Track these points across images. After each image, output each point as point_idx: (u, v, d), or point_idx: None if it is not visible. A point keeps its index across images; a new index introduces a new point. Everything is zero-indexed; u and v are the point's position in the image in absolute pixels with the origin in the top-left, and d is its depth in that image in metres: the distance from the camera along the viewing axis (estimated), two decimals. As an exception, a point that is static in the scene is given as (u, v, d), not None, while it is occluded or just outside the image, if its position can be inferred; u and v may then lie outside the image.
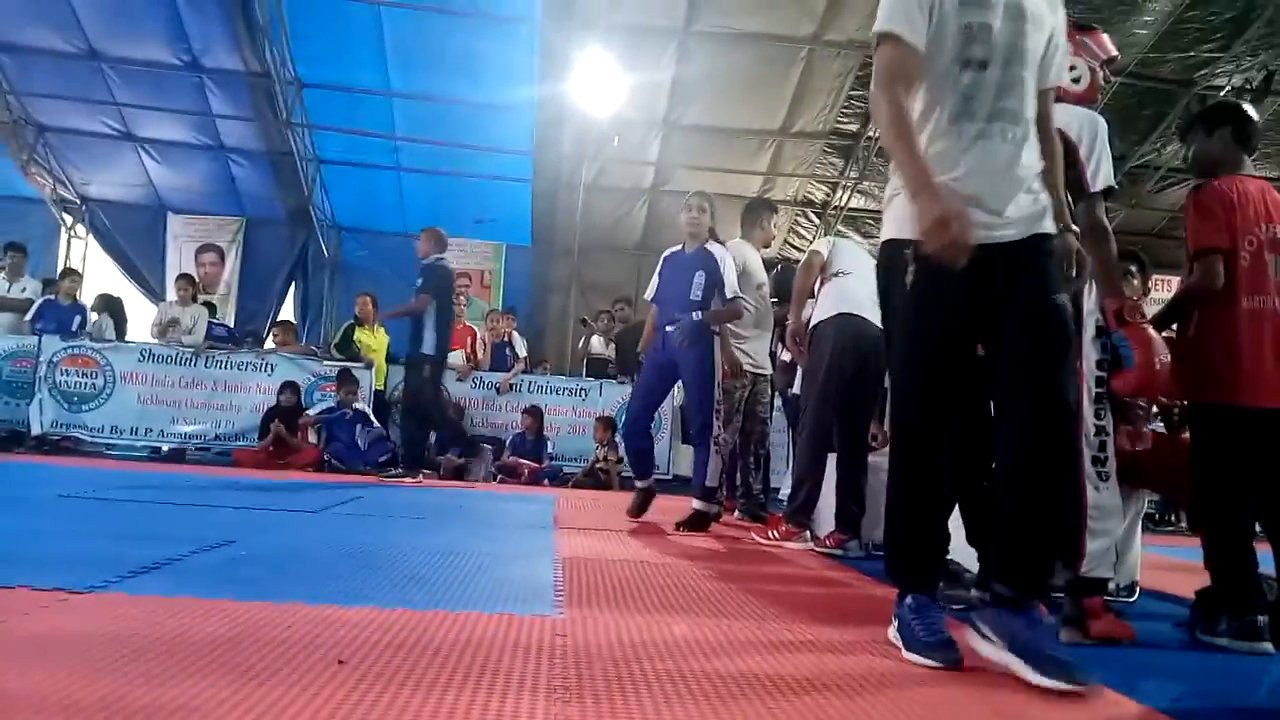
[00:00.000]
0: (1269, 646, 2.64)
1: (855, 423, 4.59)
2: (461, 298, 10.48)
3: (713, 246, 5.21)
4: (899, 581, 2.32)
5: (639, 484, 5.32)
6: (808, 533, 4.61)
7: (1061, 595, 2.72)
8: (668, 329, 5.10)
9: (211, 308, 10.28)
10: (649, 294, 5.40)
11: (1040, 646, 1.97)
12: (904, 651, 2.17)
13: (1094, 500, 2.65)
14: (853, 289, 4.59)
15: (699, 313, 5.04)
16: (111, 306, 9.60)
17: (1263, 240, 2.88)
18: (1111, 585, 2.93)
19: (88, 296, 9.56)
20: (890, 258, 2.32)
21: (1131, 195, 11.65)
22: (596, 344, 10.06)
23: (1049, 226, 2.28)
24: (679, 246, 5.35)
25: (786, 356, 5.85)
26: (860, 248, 5.00)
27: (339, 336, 9.50)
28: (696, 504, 5.02)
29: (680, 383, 5.36)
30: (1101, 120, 2.87)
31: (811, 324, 4.70)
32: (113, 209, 12.33)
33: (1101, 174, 2.77)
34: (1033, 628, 1.99)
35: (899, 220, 2.28)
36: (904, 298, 2.28)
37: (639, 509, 5.21)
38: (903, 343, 2.34)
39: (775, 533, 4.63)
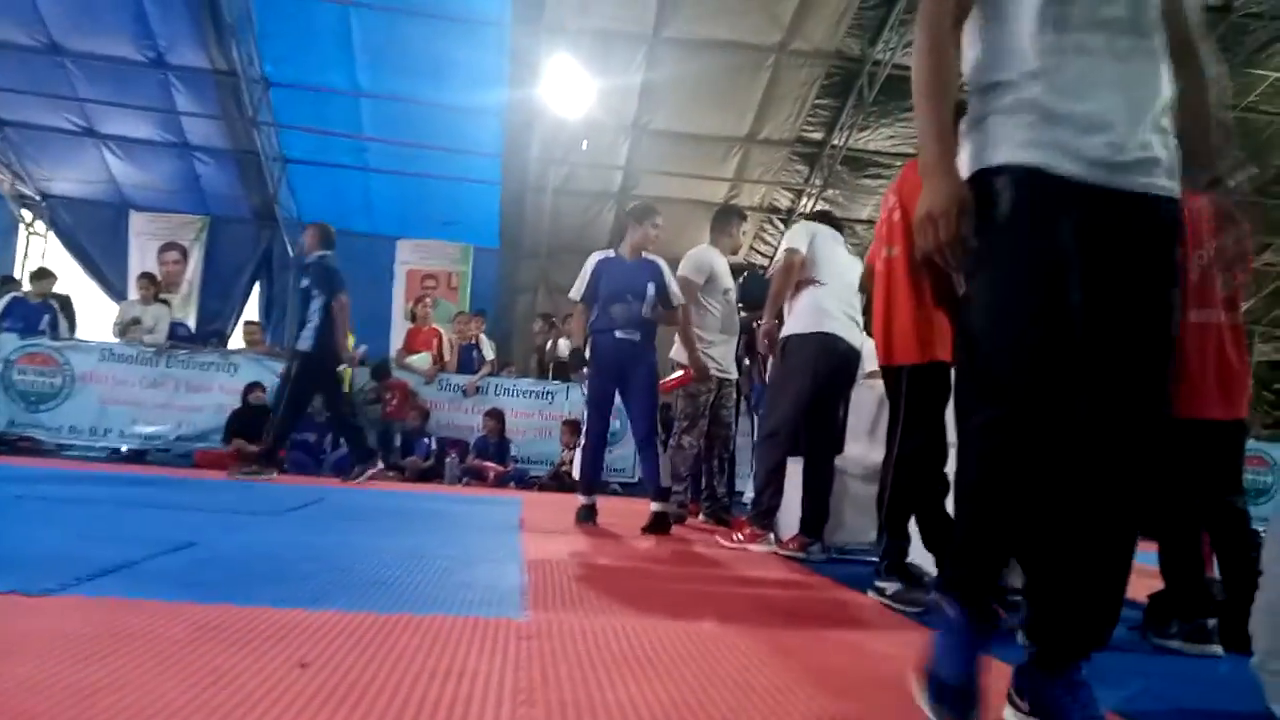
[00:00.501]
0: (1218, 649, 2.71)
1: (825, 430, 4.65)
2: (428, 299, 10.46)
3: (654, 256, 5.38)
4: (948, 577, 1.82)
5: (588, 499, 5.33)
6: (772, 535, 4.65)
7: (1020, 598, 2.77)
8: (618, 334, 5.20)
9: (165, 305, 10.12)
10: (578, 293, 5.42)
11: (1069, 713, 1.64)
12: (917, 691, 1.70)
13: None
14: (827, 301, 4.62)
15: (650, 312, 5.25)
16: (62, 305, 9.46)
17: (1212, 255, 2.96)
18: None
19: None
20: (979, 195, 1.73)
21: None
22: (564, 347, 10.06)
23: (1174, 188, 1.74)
24: (610, 252, 5.50)
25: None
26: (836, 240, 4.86)
27: None
28: (655, 506, 5.09)
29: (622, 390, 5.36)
30: None
31: (786, 333, 4.72)
32: (74, 206, 12.14)
33: None
34: (1071, 691, 1.66)
35: (988, 143, 1.76)
36: (995, 244, 1.72)
37: (590, 517, 5.25)
38: (995, 301, 1.73)
39: (740, 535, 4.66)
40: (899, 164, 11.78)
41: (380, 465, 7.31)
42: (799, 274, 4.69)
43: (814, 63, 10.38)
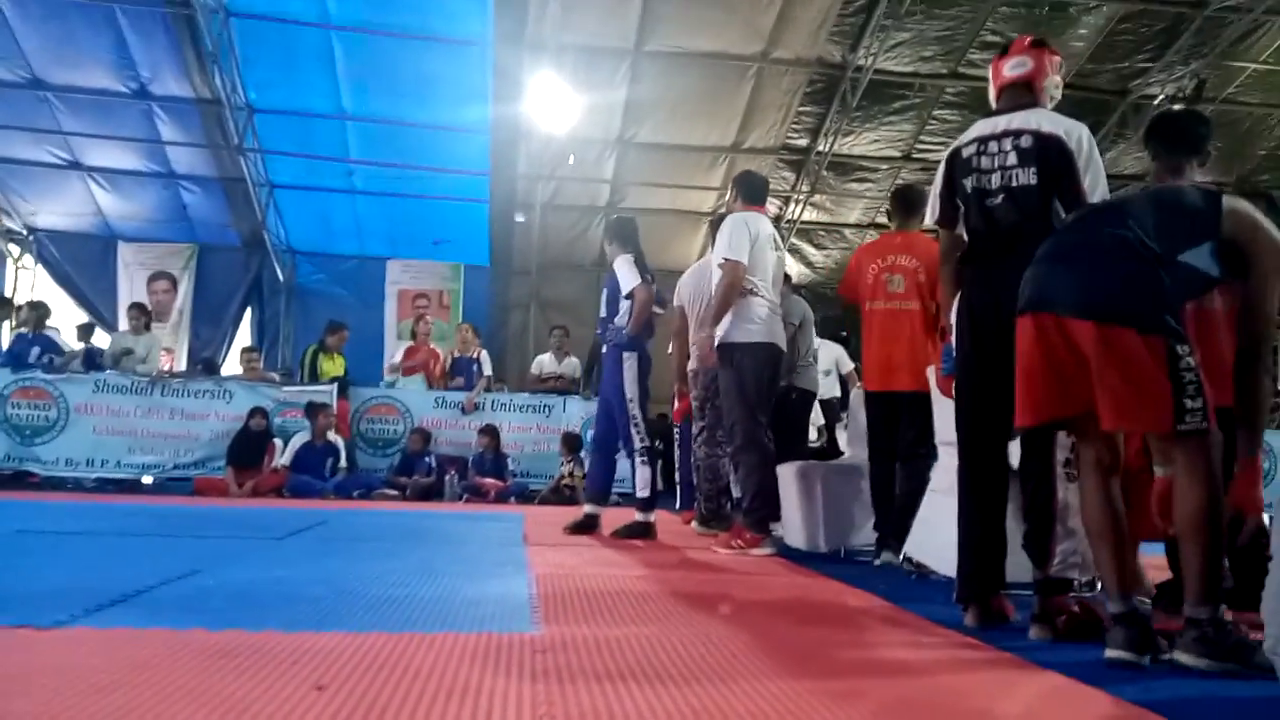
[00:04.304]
0: (1228, 635, 2.70)
1: (772, 431, 4.73)
2: (427, 317, 10.45)
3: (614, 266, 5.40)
4: None
5: (593, 509, 5.28)
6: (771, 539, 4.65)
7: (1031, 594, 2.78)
8: (605, 347, 5.38)
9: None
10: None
11: None
12: None
13: (1064, 500, 2.70)
14: (762, 308, 4.61)
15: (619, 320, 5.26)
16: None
17: None
18: (1077, 580, 2.99)
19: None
20: None
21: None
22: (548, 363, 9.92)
23: None
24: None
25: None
26: (768, 236, 4.73)
27: (307, 363, 9.28)
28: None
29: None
30: (1089, 132, 2.91)
31: (730, 340, 4.62)
32: (61, 239, 12.13)
33: (1099, 188, 2.76)
34: None
35: None
36: None
37: (584, 528, 5.20)
38: None
39: (738, 541, 4.62)
40: (885, 168, 11.87)
41: None
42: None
43: (796, 71, 10.46)
